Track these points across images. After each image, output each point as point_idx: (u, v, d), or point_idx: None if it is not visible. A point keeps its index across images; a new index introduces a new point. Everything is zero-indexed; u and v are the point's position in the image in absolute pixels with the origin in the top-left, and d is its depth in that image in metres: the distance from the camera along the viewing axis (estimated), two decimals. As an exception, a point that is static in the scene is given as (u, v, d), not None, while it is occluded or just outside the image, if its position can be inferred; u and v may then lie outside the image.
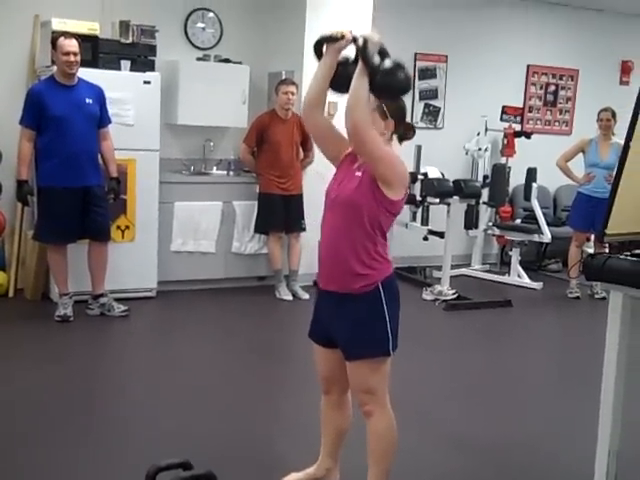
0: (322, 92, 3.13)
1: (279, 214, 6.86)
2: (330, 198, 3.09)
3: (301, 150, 6.96)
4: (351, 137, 2.92)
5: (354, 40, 2.94)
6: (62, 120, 5.57)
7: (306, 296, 6.86)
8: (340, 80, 3.03)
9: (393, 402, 3.16)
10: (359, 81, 2.87)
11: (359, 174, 3.00)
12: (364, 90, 2.87)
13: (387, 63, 2.88)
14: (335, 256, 3.03)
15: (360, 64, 2.87)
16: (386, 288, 3.03)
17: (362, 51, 2.86)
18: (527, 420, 4.48)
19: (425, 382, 5.00)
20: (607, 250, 3.13)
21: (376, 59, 2.86)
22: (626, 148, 2.93)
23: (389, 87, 2.92)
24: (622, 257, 2.98)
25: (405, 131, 3.13)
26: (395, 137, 3.10)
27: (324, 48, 3.08)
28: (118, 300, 6.09)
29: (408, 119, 3.19)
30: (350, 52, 3.03)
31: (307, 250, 7.12)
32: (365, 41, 2.86)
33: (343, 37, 3.01)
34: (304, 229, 6.94)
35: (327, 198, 3.12)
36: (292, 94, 6.72)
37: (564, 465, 3.89)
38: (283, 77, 7.14)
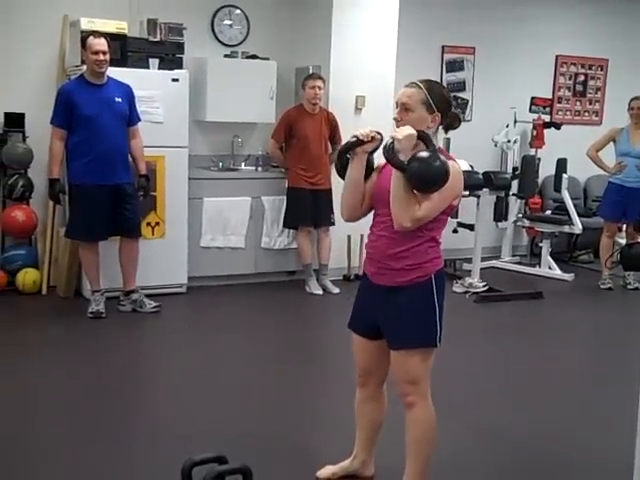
0: (359, 199, 3.13)
1: (308, 208, 6.87)
2: (379, 204, 3.08)
3: (329, 144, 6.95)
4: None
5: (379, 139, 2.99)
6: (92, 119, 5.61)
7: (336, 290, 6.86)
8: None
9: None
10: (395, 182, 2.88)
11: None
12: (401, 190, 2.87)
13: (422, 153, 2.84)
14: (388, 255, 3.04)
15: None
16: (437, 280, 3.06)
17: (387, 155, 2.86)
18: (561, 412, 4.45)
19: (457, 374, 4.98)
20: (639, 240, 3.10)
21: (401, 157, 2.84)
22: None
23: (422, 181, 2.85)
24: (660, 246, 2.94)
25: (451, 121, 3.12)
26: (441, 128, 3.10)
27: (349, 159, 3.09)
28: (149, 296, 6.13)
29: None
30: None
31: (337, 244, 7.13)
32: (392, 143, 2.86)
33: (372, 139, 3.02)
34: (333, 223, 6.93)
35: (376, 194, 3.11)
36: (319, 88, 6.72)
37: (599, 457, 3.86)
38: (310, 72, 7.14)
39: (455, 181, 2.94)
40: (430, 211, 2.92)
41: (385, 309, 3.09)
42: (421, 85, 3.02)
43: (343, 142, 6.51)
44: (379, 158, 3.09)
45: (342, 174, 3.16)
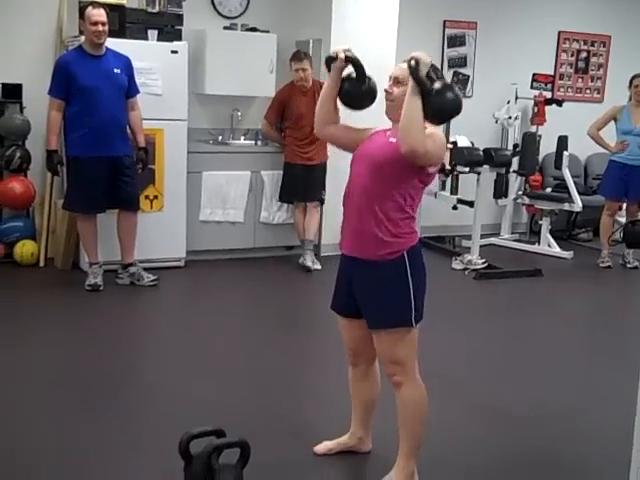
0: (328, 111, 3.20)
1: (301, 184, 6.84)
2: (358, 163, 3.06)
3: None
4: (408, 156, 2.86)
5: (347, 60, 3.06)
6: (91, 90, 5.56)
7: (317, 266, 6.82)
8: (346, 96, 3.16)
9: (424, 372, 3.16)
10: (412, 104, 2.82)
11: (393, 140, 2.96)
12: (418, 112, 2.81)
13: (437, 85, 2.84)
14: (360, 223, 3.01)
15: (411, 85, 2.82)
16: (411, 257, 3.00)
17: (414, 73, 2.81)
18: (561, 390, 4.46)
19: (456, 352, 4.99)
20: None
21: (427, 81, 2.82)
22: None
23: (441, 110, 2.87)
24: (664, 223, 2.92)
25: None
26: None
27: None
28: (147, 270, 6.12)
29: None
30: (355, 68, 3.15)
31: (334, 220, 7.09)
32: (417, 62, 2.81)
33: (337, 57, 3.09)
34: (323, 200, 6.91)
35: (353, 164, 3.09)
36: (304, 70, 6.65)
37: (600, 435, 3.86)
38: (310, 45, 7.09)
39: (441, 145, 2.95)
40: (433, 151, 2.88)
41: (361, 288, 3.06)
42: None
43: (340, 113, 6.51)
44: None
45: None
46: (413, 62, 2.81)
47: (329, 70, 3.16)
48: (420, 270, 3.05)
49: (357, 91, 3.14)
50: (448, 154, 7.40)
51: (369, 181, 2.96)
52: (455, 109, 2.88)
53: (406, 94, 2.83)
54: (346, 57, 3.05)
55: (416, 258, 3.04)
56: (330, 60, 3.14)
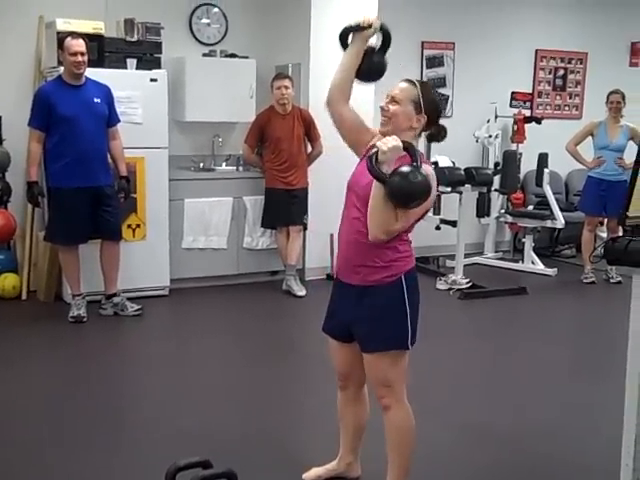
0: (348, 81, 3.12)
1: (283, 208, 6.83)
2: (351, 190, 3.05)
3: (307, 142, 6.93)
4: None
5: (381, 29, 2.99)
6: (71, 120, 5.55)
7: (301, 292, 6.78)
8: (366, 69, 3.07)
9: (410, 392, 3.14)
10: (374, 190, 2.82)
11: None
12: (378, 200, 2.81)
13: (404, 168, 2.78)
14: (356, 251, 3.00)
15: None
16: (408, 281, 3.01)
17: (369, 164, 2.81)
18: (546, 408, 4.45)
19: (442, 371, 4.98)
20: (621, 233, 3.09)
21: (384, 168, 2.78)
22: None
23: (400, 196, 2.79)
24: (645, 240, 2.92)
25: (436, 132, 3.10)
26: (424, 135, 3.08)
27: (349, 38, 3.10)
28: (131, 299, 6.08)
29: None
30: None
31: (320, 243, 7.11)
32: (375, 154, 2.81)
33: (370, 26, 3.03)
34: (305, 224, 6.92)
35: (347, 192, 3.07)
36: (286, 88, 6.68)
37: (583, 453, 3.85)
38: (289, 70, 7.12)
39: (418, 212, 2.91)
40: (406, 223, 2.90)
41: (356, 311, 3.04)
42: (416, 84, 3.02)
43: (321, 139, 6.52)
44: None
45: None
46: (372, 153, 2.83)
47: (344, 45, 3.11)
48: (416, 292, 3.06)
49: (383, 63, 3.09)
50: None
51: (362, 212, 2.95)
52: (417, 196, 2.78)
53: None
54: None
55: (413, 280, 3.05)
56: (353, 29, 3.07)
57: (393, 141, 2.81)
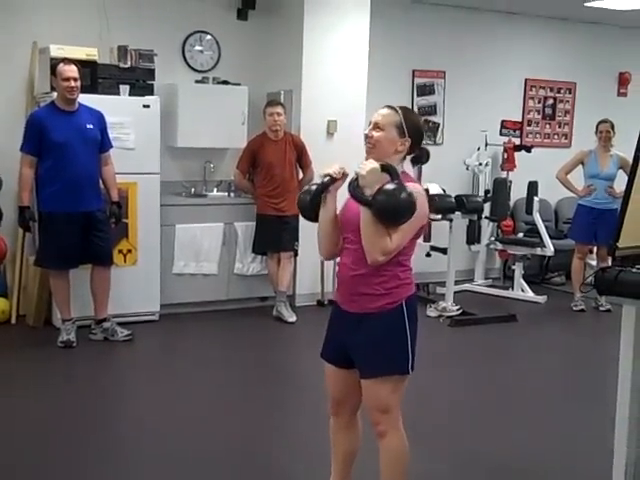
0: (335, 237, 3.09)
1: (274, 235, 6.84)
2: (346, 228, 3.05)
3: (298, 168, 6.97)
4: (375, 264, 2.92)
5: (383, 169, 2.88)
6: (63, 146, 5.56)
7: (292, 319, 6.78)
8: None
9: (403, 420, 3.13)
10: (363, 214, 2.86)
11: None
12: (368, 224, 2.86)
13: (386, 186, 2.80)
14: (357, 281, 3.01)
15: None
16: (409, 306, 3.03)
17: (351, 189, 2.84)
18: (535, 436, 4.44)
19: (433, 399, 4.97)
20: (610, 263, 3.11)
21: (367, 192, 2.81)
22: (636, 159, 2.90)
23: (388, 214, 2.81)
24: (635, 270, 2.95)
25: (420, 154, 3.13)
26: (408, 158, 3.11)
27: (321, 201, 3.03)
28: (121, 324, 6.07)
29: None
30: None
31: (311, 269, 7.12)
32: (355, 179, 2.85)
33: (343, 175, 2.99)
34: (296, 251, 6.93)
35: (342, 229, 3.08)
36: (278, 115, 6.73)
37: (576, 478, 3.86)
38: (282, 97, 7.16)
39: (421, 206, 2.92)
40: (401, 241, 2.91)
41: (356, 337, 3.04)
42: (397, 109, 3.05)
43: (312, 165, 6.52)
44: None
45: (311, 215, 3.09)
46: (353, 179, 2.87)
47: (314, 204, 3.03)
48: (415, 319, 3.08)
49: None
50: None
51: (357, 243, 2.96)
52: (404, 212, 2.81)
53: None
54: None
55: (413, 307, 3.07)
56: (328, 185, 2.97)
57: (370, 164, 2.86)
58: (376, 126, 3.03)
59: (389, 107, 3.07)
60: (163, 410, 4.70)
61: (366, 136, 3.06)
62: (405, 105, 3.13)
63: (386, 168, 2.87)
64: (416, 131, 3.07)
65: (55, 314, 6.16)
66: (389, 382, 3.03)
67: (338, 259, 3.16)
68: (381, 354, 3.01)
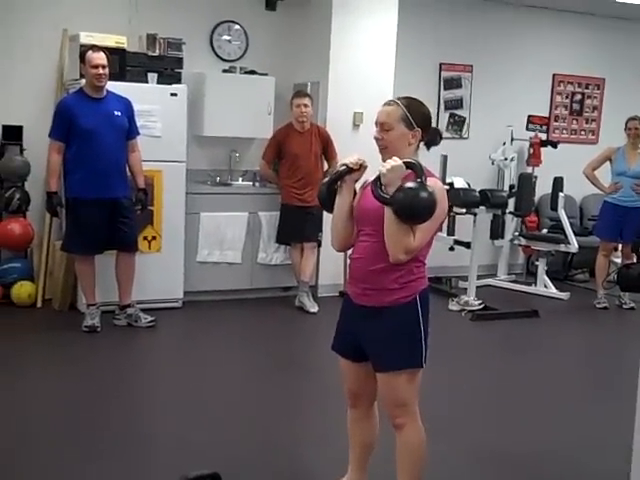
0: (350, 230, 3.11)
1: (298, 225, 6.86)
2: (362, 223, 3.05)
3: (323, 160, 6.98)
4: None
5: (407, 165, 2.87)
6: (91, 133, 5.61)
7: (314, 309, 6.80)
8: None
9: (421, 413, 3.15)
10: (387, 216, 2.86)
11: None
12: (391, 224, 2.86)
13: (407, 184, 2.80)
14: (371, 275, 3.00)
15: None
16: (422, 300, 3.03)
17: (374, 187, 2.85)
18: (557, 431, 4.44)
19: (453, 393, 4.98)
20: (636, 260, 3.10)
21: (390, 190, 2.81)
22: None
23: (405, 213, 2.80)
24: (658, 267, 2.94)
25: (432, 137, 3.11)
26: (422, 145, 3.10)
27: (337, 190, 3.07)
28: (145, 311, 6.12)
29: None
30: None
31: (333, 260, 7.13)
32: (378, 177, 2.86)
33: (360, 167, 3.00)
34: (320, 241, 6.93)
35: (357, 224, 3.08)
36: (305, 106, 6.74)
37: (594, 476, 3.85)
38: (308, 88, 7.17)
39: (441, 201, 2.91)
40: (424, 239, 2.92)
41: (368, 331, 3.05)
42: (399, 102, 3.02)
43: (337, 157, 6.54)
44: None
45: (327, 204, 3.13)
46: (376, 178, 2.87)
47: (330, 192, 3.09)
48: (428, 312, 3.07)
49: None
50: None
51: (377, 239, 2.95)
52: (424, 211, 2.80)
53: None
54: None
55: (426, 300, 3.06)
56: (343, 174, 3.01)
57: (393, 162, 2.85)
58: (383, 127, 3.00)
59: (390, 103, 3.05)
60: (184, 395, 4.75)
61: (376, 139, 3.04)
62: (404, 96, 3.09)
63: (410, 165, 2.86)
64: (422, 117, 3.03)
65: (80, 299, 6.23)
66: (404, 375, 3.02)
67: (349, 252, 3.16)
68: (395, 348, 3.01)
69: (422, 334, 3.02)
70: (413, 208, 2.79)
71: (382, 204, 2.85)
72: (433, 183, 2.90)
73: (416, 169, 2.85)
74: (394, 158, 2.87)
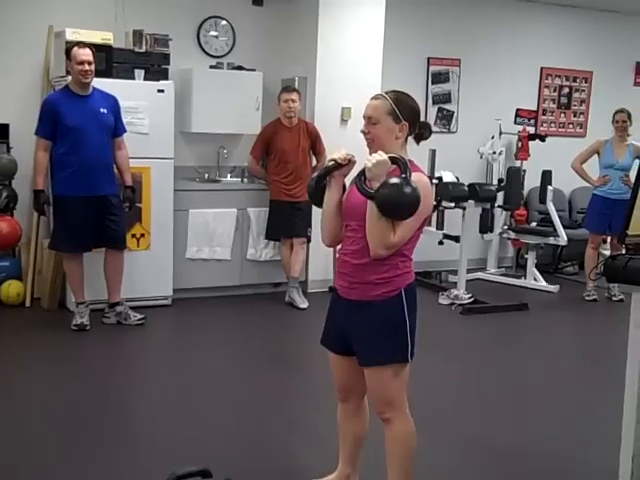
0: (339, 225, 3.09)
1: (287, 221, 6.86)
2: (348, 218, 3.05)
3: (312, 155, 6.98)
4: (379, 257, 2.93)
5: (393, 161, 2.86)
6: (77, 130, 5.58)
7: (304, 305, 6.79)
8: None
9: (411, 406, 3.15)
10: (369, 210, 2.86)
11: None
12: (372, 218, 2.85)
13: (391, 180, 2.78)
14: (355, 270, 3.01)
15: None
16: (408, 294, 3.02)
17: (358, 182, 2.85)
18: (546, 423, 4.45)
19: (443, 386, 4.99)
20: (624, 252, 3.10)
21: (374, 185, 2.81)
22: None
23: (390, 208, 2.79)
24: (644, 258, 2.95)
25: (421, 131, 3.09)
26: (410, 138, 3.08)
27: (326, 185, 3.06)
28: (134, 308, 6.10)
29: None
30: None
31: (322, 255, 7.13)
32: (362, 171, 2.86)
33: (349, 162, 3.00)
34: (309, 237, 6.93)
35: (344, 218, 3.08)
36: (292, 101, 6.73)
37: (584, 468, 3.86)
38: (296, 83, 7.16)
39: (426, 197, 2.90)
40: (405, 235, 2.90)
41: (354, 325, 3.05)
42: (386, 96, 3.01)
43: (326, 152, 6.54)
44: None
45: (317, 199, 3.12)
46: (360, 171, 2.87)
47: (318, 187, 3.07)
48: (415, 307, 3.06)
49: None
50: (433, 190, 7.45)
51: (362, 234, 2.95)
52: (407, 208, 2.79)
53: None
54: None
55: (412, 295, 3.05)
56: (332, 170, 3.00)
57: (378, 156, 2.84)
58: (370, 120, 2.99)
59: (378, 96, 3.04)
60: (175, 393, 4.74)
61: (363, 133, 3.03)
62: (392, 90, 3.08)
63: (395, 160, 2.85)
64: (410, 111, 3.02)
65: (69, 297, 6.20)
66: (390, 370, 3.02)
67: (338, 247, 3.16)
68: (380, 342, 3.00)
69: (407, 329, 3.01)
70: (396, 204, 2.78)
71: (365, 197, 2.85)
72: (418, 178, 2.89)
73: (400, 165, 2.84)
74: (380, 153, 2.87)
